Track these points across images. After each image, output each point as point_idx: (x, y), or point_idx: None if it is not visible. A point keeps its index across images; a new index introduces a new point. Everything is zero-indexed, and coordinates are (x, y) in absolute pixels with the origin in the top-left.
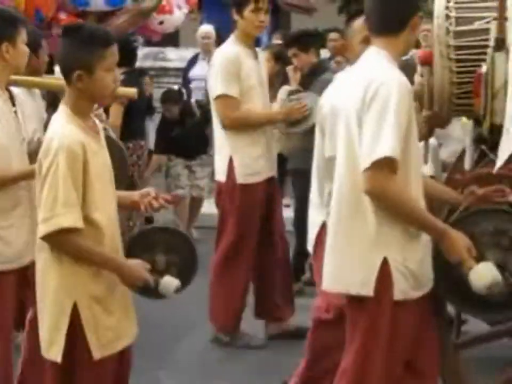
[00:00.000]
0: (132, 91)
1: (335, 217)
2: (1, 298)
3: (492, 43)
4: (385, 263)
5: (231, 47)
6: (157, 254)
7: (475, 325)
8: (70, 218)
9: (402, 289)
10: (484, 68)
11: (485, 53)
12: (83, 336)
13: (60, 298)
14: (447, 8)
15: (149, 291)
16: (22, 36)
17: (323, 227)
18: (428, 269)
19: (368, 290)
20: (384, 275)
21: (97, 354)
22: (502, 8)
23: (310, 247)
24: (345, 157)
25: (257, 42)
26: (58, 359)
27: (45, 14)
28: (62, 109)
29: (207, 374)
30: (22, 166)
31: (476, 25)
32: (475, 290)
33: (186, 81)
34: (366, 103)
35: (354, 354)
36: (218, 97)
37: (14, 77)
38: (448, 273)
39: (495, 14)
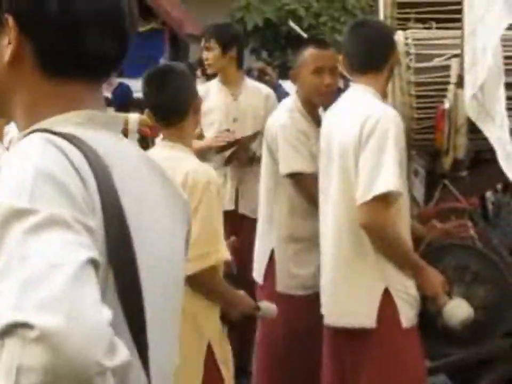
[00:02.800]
0: None
1: (334, 251)
2: None
3: (453, 80)
4: (386, 293)
5: (212, 82)
6: None
7: None
8: (225, 253)
9: (408, 317)
10: (446, 104)
11: (444, 89)
12: (218, 372)
13: (196, 340)
14: (406, 44)
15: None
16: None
17: (272, 254)
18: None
19: (371, 322)
20: (387, 305)
21: None
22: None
23: (259, 277)
24: (342, 192)
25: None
26: None
27: None
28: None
29: None
30: None
31: (435, 61)
32: (448, 325)
33: None
34: (363, 139)
35: None
36: None
37: None
38: None
39: (453, 51)
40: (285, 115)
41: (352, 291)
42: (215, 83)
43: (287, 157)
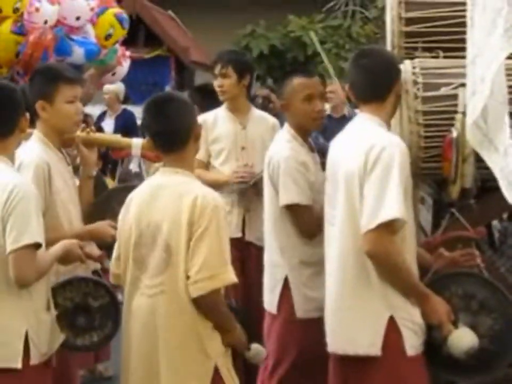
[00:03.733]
0: None
1: (339, 279)
2: None
3: (460, 108)
4: (391, 321)
5: (219, 110)
6: None
7: None
8: (232, 276)
9: (413, 345)
10: (454, 133)
11: (452, 118)
12: None
13: (202, 361)
14: (414, 74)
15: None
16: (65, 95)
17: (285, 282)
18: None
19: (376, 350)
20: (392, 333)
21: None
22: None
23: (271, 306)
24: (347, 221)
25: None
26: None
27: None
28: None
29: None
30: (80, 226)
31: (443, 91)
32: (453, 354)
33: None
34: (368, 168)
35: None
36: None
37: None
38: None
39: (460, 80)
40: (286, 147)
41: (357, 318)
42: (222, 111)
43: (286, 188)
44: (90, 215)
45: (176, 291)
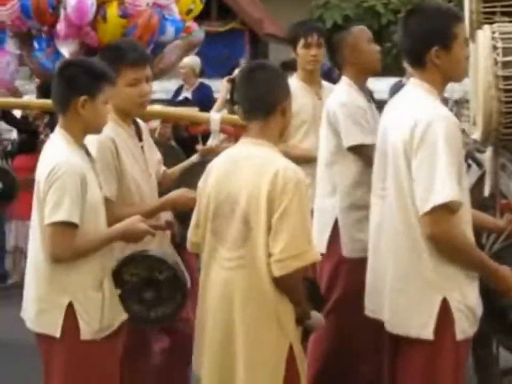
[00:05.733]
0: None
1: (390, 259)
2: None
3: None
4: (444, 303)
5: (292, 82)
6: None
7: None
8: (317, 253)
9: (463, 329)
10: None
11: None
12: (297, 375)
13: (279, 338)
14: (493, 39)
15: None
16: (126, 78)
17: (335, 224)
18: (480, 304)
19: (428, 333)
20: (445, 316)
21: None
22: None
23: (321, 246)
24: (396, 195)
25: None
26: None
27: None
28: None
29: None
30: (153, 202)
31: None
32: None
33: None
34: (414, 146)
35: None
36: None
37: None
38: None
39: None
40: (343, 94)
41: (410, 300)
42: (296, 83)
43: (348, 131)
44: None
45: (256, 267)
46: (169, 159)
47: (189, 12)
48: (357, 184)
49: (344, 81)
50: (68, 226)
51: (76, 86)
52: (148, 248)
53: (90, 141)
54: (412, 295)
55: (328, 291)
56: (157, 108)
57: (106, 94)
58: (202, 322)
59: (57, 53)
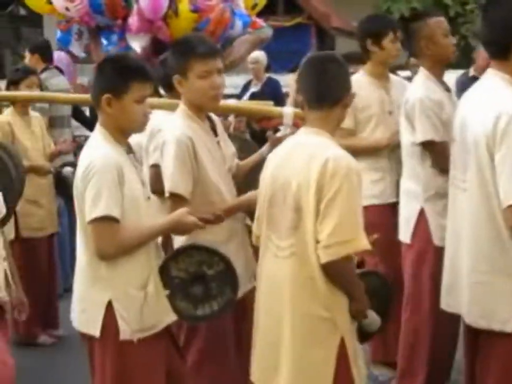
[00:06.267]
0: None
1: (473, 253)
2: (220, 332)
3: None
4: None
5: (359, 77)
6: None
7: None
8: (366, 242)
9: None
10: None
11: None
12: (348, 369)
13: (329, 330)
14: None
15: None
16: (196, 70)
17: (421, 213)
18: None
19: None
20: None
21: None
22: None
23: (406, 236)
24: (478, 186)
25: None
26: None
27: None
28: (319, 132)
29: None
30: (232, 197)
31: None
32: None
33: None
34: (497, 139)
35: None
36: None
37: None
38: None
39: None
40: (421, 86)
41: (494, 293)
42: (364, 77)
43: (422, 126)
44: (247, 185)
45: (306, 255)
46: (244, 153)
47: (254, 6)
48: (438, 174)
49: (422, 72)
50: (109, 220)
51: (102, 83)
52: (197, 241)
53: (170, 140)
54: (494, 287)
55: (413, 280)
56: (232, 102)
57: (141, 92)
58: (257, 314)
59: (128, 47)
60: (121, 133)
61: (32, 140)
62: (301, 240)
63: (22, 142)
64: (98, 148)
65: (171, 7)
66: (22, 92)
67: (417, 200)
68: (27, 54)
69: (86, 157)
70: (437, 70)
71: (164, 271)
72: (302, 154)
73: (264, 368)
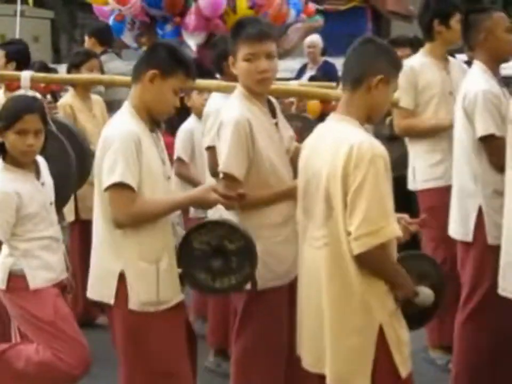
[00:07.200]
0: None
1: None
2: (275, 315)
3: None
4: None
5: (419, 57)
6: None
7: None
8: (396, 229)
9: None
10: None
11: None
12: (389, 357)
13: (366, 318)
14: None
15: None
16: (243, 52)
17: (480, 211)
18: None
19: None
20: None
21: (403, 371)
22: None
23: (466, 235)
24: None
25: None
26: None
27: None
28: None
29: None
30: (290, 179)
31: None
32: None
33: None
34: None
35: None
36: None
37: None
38: None
39: None
40: (482, 79)
41: None
42: (423, 58)
43: (483, 120)
44: None
45: (338, 245)
46: (306, 132)
47: None
48: (497, 170)
49: (478, 65)
50: (124, 188)
51: (153, 60)
52: (220, 217)
53: (227, 122)
54: None
55: (477, 278)
56: (294, 84)
57: (182, 84)
58: (300, 305)
59: (184, 44)
60: (146, 111)
61: (94, 123)
62: (333, 230)
63: (83, 125)
64: (121, 121)
65: (229, 4)
66: (79, 75)
67: (475, 198)
68: (86, 38)
69: (108, 129)
70: (492, 64)
71: (185, 242)
72: (329, 142)
73: (313, 357)
